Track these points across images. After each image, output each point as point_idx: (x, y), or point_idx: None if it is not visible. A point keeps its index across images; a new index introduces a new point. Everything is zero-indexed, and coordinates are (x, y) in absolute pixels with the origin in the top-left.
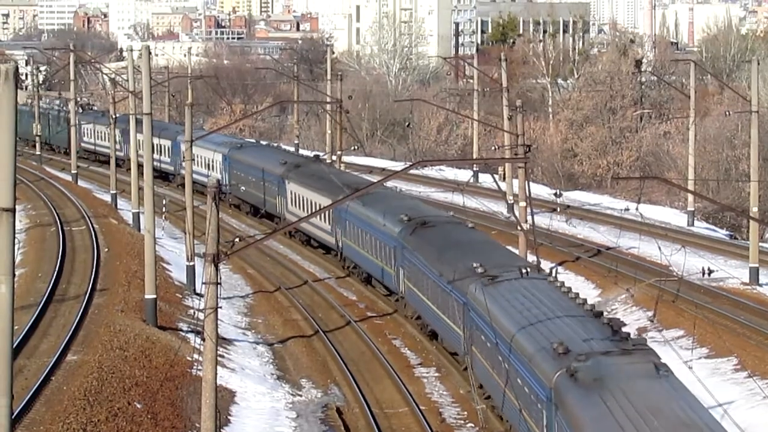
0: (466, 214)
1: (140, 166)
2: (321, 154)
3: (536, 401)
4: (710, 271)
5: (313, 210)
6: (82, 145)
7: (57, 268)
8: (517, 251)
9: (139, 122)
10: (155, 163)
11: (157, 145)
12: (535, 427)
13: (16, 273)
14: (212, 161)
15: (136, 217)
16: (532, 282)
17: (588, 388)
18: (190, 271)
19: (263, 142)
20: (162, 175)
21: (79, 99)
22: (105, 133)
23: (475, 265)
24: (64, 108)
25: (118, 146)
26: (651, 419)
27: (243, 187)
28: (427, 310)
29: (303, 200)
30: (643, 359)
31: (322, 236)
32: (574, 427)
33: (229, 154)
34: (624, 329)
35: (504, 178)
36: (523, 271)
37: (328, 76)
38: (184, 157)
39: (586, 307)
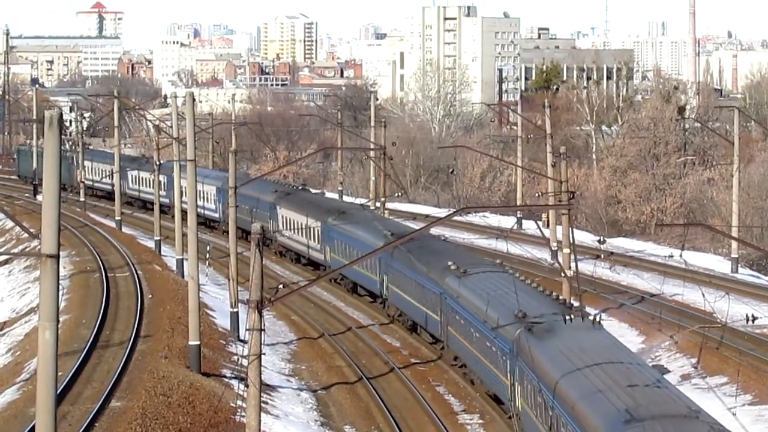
0: (510, 261)
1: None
2: (365, 201)
3: (501, 354)
4: (754, 318)
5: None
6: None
7: (101, 315)
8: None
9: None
10: (200, 210)
11: (200, 191)
12: (500, 375)
13: (60, 319)
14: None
15: (180, 263)
16: (504, 275)
17: (540, 338)
18: (234, 318)
19: (313, 190)
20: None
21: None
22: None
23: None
24: (66, 148)
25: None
26: (583, 354)
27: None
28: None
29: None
30: (580, 324)
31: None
32: (529, 363)
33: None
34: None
35: (548, 225)
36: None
37: (372, 123)
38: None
39: (545, 292)
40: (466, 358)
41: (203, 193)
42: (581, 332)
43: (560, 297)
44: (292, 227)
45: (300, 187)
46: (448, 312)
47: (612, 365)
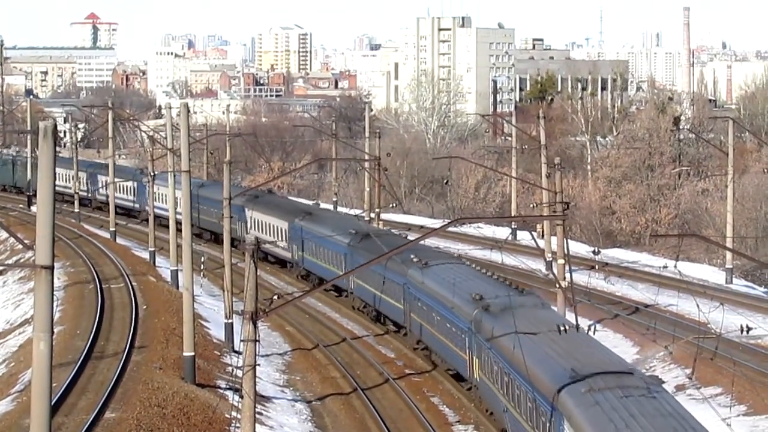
0: (504, 272)
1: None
2: (360, 212)
3: (460, 333)
4: (749, 329)
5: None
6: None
7: (95, 326)
8: (555, 309)
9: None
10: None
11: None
12: (460, 351)
13: (55, 330)
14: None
15: (175, 274)
16: (462, 266)
17: (496, 315)
18: (229, 329)
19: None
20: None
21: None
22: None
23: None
24: (18, 153)
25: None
26: (530, 324)
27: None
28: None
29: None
30: (530, 298)
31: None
32: (486, 338)
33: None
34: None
35: (542, 236)
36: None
37: (367, 134)
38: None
39: (499, 279)
40: (429, 340)
41: (160, 195)
42: (531, 310)
43: (512, 282)
44: (260, 228)
45: (267, 191)
46: (411, 300)
47: (557, 334)
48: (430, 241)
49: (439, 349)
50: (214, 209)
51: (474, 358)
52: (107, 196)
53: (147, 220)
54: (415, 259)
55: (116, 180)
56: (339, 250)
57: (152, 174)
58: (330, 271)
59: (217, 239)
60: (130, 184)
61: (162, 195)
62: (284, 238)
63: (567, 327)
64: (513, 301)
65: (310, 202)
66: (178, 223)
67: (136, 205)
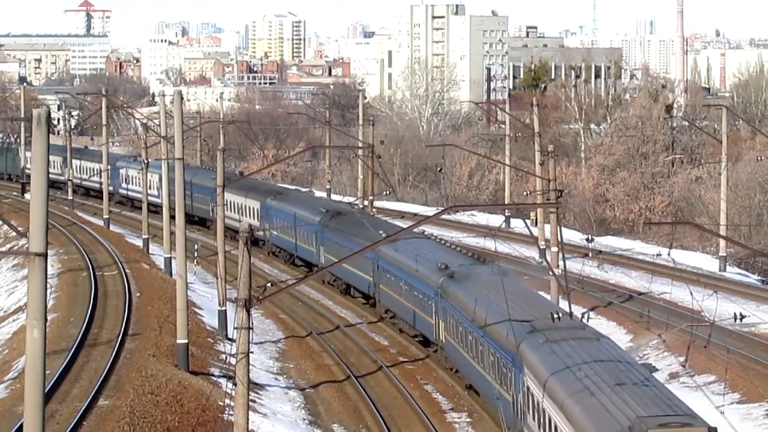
0: (498, 259)
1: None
2: (354, 199)
3: (427, 299)
4: (742, 317)
5: None
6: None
7: (89, 313)
8: (548, 296)
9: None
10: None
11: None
12: (427, 316)
13: (48, 318)
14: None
15: (168, 261)
16: (428, 240)
17: (460, 281)
18: (222, 316)
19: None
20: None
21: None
22: (88, 168)
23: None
24: (7, 140)
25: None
26: (493, 290)
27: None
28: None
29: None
30: (490, 266)
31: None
32: (450, 300)
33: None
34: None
35: (536, 224)
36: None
37: (360, 121)
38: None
39: (462, 251)
40: (397, 308)
41: (130, 178)
42: (491, 276)
43: (474, 254)
44: (234, 209)
45: (239, 174)
46: (380, 272)
47: (516, 296)
48: (425, 228)
49: (406, 316)
50: (187, 191)
51: (440, 321)
52: (81, 180)
53: (120, 202)
54: (383, 234)
55: (88, 163)
56: (310, 227)
57: (146, 161)
58: (301, 248)
59: (200, 223)
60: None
61: (132, 177)
62: (257, 217)
63: (526, 290)
64: (476, 269)
65: (305, 190)
66: (153, 205)
67: (110, 188)
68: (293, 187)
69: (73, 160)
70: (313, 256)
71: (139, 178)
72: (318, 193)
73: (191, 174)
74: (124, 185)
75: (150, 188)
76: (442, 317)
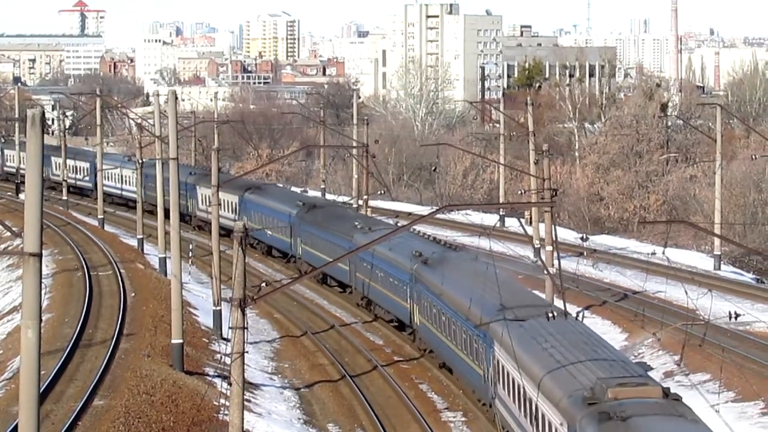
0: (492, 259)
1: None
2: (348, 199)
3: (402, 285)
4: (737, 315)
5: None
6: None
7: (83, 313)
8: (543, 295)
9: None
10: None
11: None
12: (402, 301)
13: (43, 318)
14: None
15: (163, 261)
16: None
17: (433, 266)
18: (217, 316)
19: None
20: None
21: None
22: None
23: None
24: None
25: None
26: (464, 273)
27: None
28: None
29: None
30: (462, 253)
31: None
32: (423, 284)
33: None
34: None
35: (530, 223)
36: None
37: (355, 121)
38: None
39: (435, 240)
40: (372, 295)
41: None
42: (462, 262)
43: (446, 243)
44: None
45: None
46: (356, 260)
47: (487, 278)
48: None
49: (382, 302)
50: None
51: (414, 305)
52: (58, 176)
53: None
54: (359, 226)
55: (69, 161)
56: (287, 219)
57: (140, 161)
58: (277, 239)
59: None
60: (82, 164)
61: (107, 174)
62: (235, 211)
63: (503, 273)
64: (448, 255)
65: (299, 190)
66: (129, 199)
67: (89, 185)
68: (313, 193)
69: (52, 158)
70: (289, 247)
71: (114, 175)
72: (312, 192)
73: (167, 170)
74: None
75: (126, 184)
76: (416, 301)
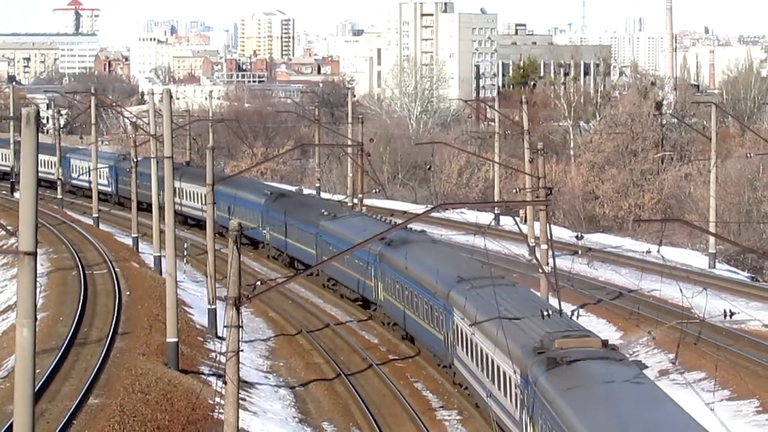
0: (487, 257)
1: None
2: (343, 197)
3: (367, 265)
4: (732, 314)
5: None
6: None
7: (78, 312)
8: (538, 293)
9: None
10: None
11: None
12: (367, 280)
13: (38, 317)
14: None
15: (158, 260)
16: (365, 217)
17: (397, 248)
18: (212, 315)
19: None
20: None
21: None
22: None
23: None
24: None
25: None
26: (426, 252)
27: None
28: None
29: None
30: (423, 237)
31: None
32: (388, 263)
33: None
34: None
35: (525, 221)
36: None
37: (349, 119)
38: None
39: (398, 225)
40: (339, 276)
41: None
42: (424, 243)
43: (406, 227)
44: (187, 196)
45: (185, 163)
46: (323, 245)
47: (447, 256)
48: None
49: (347, 282)
50: (140, 181)
51: (379, 283)
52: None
53: (71, 191)
54: (325, 213)
55: (42, 156)
56: (256, 207)
57: (135, 160)
58: (246, 227)
59: (148, 209)
60: (54, 159)
61: (80, 168)
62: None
63: (456, 254)
64: (410, 237)
65: (293, 188)
66: (103, 193)
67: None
68: (308, 191)
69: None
70: (258, 233)
71: (82, 168)
72: (306, 191)
73: (144, 165)
74: (74, 175)
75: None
76: (380, 279)
